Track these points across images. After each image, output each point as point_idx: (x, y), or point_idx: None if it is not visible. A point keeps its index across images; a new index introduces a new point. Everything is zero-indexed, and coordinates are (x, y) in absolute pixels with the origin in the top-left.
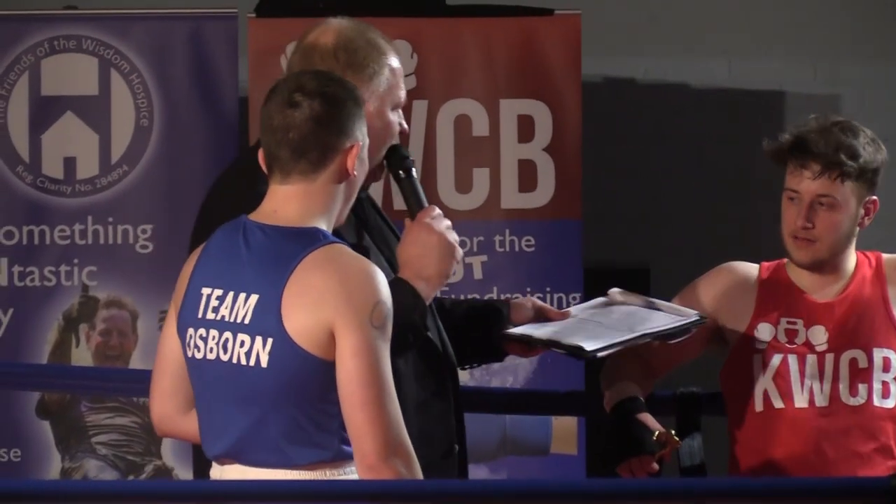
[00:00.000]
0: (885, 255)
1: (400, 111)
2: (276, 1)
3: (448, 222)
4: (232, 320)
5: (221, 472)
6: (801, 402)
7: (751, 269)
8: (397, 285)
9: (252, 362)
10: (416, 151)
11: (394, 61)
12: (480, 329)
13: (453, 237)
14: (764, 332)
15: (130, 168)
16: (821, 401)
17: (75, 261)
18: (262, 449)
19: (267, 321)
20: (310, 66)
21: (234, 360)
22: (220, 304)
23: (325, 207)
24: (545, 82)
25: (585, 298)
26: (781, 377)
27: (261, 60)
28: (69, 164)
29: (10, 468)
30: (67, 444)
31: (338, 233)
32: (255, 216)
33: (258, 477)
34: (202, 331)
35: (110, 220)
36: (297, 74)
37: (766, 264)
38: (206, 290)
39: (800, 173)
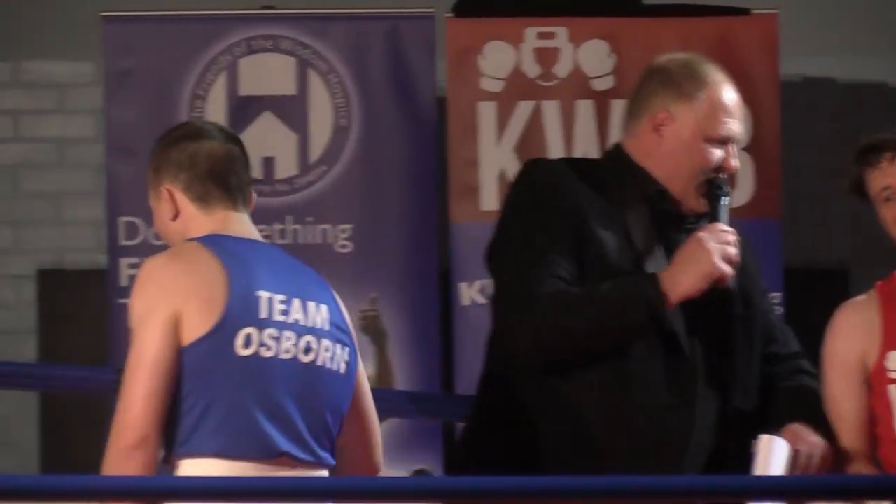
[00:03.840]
0: None
1: (732, 148)
2: (473, 0)
3: (728, 238)
4: (310, 325)
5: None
6: None
7: (866, 301)
8: (646, 276)
9: (337, 367)
10: None
11: (717, 95)
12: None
13: (724, 253)
14: (894, 360)
15: (329, 167)
16: None
17: None
18: (322, 448)
19: (342, 331)
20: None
21: (319, 364)
22: (289, 308)
23: None
24: (743, 82)
25: (785, 299)
26: None
27: (458, 60)
28: (268, 163)
29: None
30: None
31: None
32: (236, 233)
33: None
34: (272, 331)
35: (310, 219)
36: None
37: (881, 286)
38: (263, 294)
39: (875, 172)
